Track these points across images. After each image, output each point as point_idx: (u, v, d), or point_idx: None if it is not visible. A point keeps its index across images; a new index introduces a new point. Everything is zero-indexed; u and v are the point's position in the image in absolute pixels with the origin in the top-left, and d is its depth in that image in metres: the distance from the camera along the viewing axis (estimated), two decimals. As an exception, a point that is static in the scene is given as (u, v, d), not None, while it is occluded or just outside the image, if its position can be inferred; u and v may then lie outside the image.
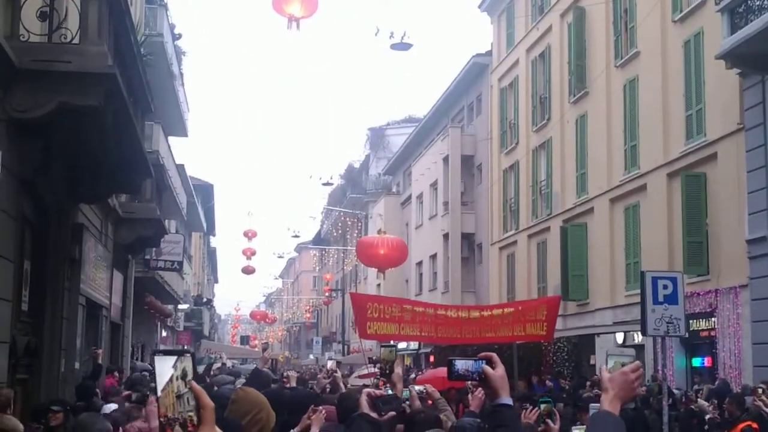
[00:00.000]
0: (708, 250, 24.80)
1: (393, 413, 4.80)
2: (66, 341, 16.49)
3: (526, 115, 39.92)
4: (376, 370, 17.45)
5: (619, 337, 29.66)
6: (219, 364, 23.27)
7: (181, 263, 34.40)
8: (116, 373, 20.68)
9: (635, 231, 29.33)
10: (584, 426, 9.46)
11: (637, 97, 29.26)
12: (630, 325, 26.73)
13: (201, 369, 26.31)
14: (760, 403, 15.05)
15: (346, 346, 67.14)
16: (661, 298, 15.08)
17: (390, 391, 6.98)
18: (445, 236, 47.82)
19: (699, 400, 19.50)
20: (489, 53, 46.00)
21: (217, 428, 2.38)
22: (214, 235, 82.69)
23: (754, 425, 14.18)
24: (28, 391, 13.75)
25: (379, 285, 49.77)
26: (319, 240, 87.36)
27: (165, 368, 2.36)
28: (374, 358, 29.58)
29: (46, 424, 9.94)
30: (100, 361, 18.11)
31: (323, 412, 7.63)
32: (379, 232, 37.30)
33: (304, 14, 16.56)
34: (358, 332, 18.18)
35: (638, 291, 16.74)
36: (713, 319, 24.35)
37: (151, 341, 41.52)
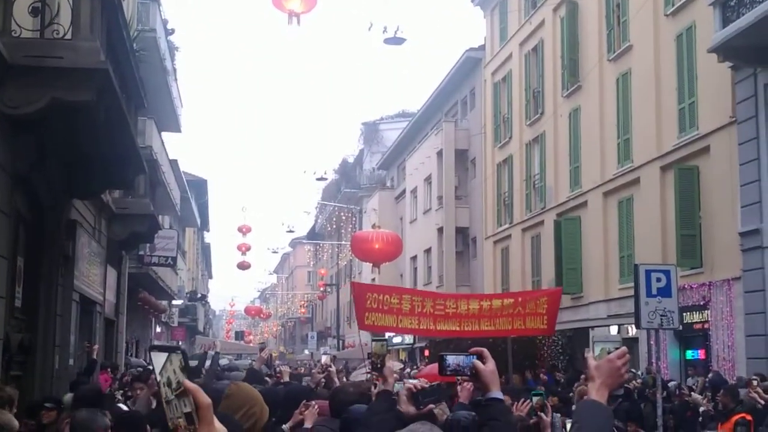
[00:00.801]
0: (701, 243, 24.84)
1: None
2: (60, 338, 16.50)
3: (519, 109, 39.93)
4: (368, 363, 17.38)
5: (613, 330, 29.71)
6: (213, 353, 23.27)
7: (175, 259, 34.41)
8: (110, 370, 20.66)
9: (629, 224, 29.36)
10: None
11: (630, 90, 29.28)
12: (624, 318, 26.79)
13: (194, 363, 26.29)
14: (755, 395, 15.09)
15: (341, 341, 67.14)
16: (654, 291, 15.12)
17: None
18: (440, 230, 47.84)
19: (693, 394, 19.53)
20: (482, 48, 45.95)
21: (220, 424, 2.36)
22: (208, 231, 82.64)
23: (748, 417, 14.21)
24: (21, 388, 13.73)
25: (373, 279, 49.72)
26: (313, 235, 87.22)
27: (163, 365, 2.35)
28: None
29: (38, 421, 9.93)
30: (95, 356, 18.10)
31: (316, 407, 7.64)
32: (373, 226, 37.35)
33: (304, 9, 16.57)
34: (357, 323, 18.10)
35: (632, 284, 16.76)
36: (707, 311, 24.39)
37: (145, 337, 41.53)
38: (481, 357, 4.21)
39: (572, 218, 33.39)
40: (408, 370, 30.45)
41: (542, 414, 8.02)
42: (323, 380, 11.25)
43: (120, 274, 26.07)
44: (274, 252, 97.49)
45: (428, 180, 50.30)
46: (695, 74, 25.27)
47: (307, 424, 7.48)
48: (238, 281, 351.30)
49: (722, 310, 23.56)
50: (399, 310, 17.46)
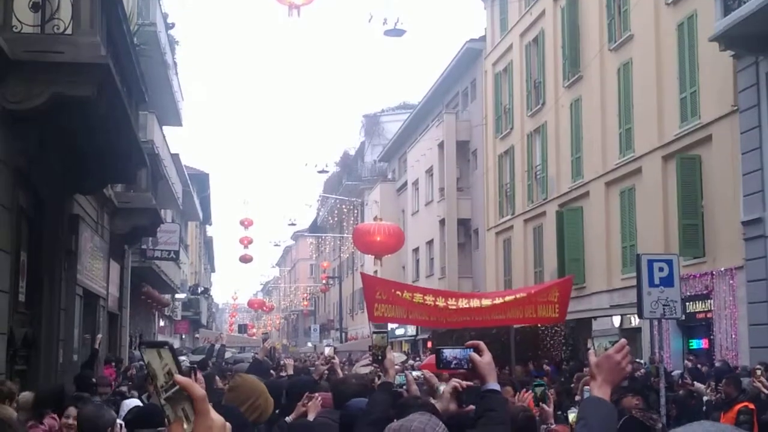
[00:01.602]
0: (703, 232, 24.83)
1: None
2: (64, 332, 16.53)
3: (520, 100, 39.89)
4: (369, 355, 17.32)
5: (616, 321, 29.70)
6: (218, 345, 23.31)
7: (177, 252, 34.44)
8: (114, 364, 20.69)
9: (631, 214, 29.36)
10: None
11: (631, 80, 29.25)
12: (626, 309, 26.76)
13: (200, 358, 26.34)
14: (759, 384, 15.07)
15: (344, 334, 67.21)
16: (657, 281, 15.09)
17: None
18: (441, 222, 47.84)
19: (695, 383, 19.53)
20: (483, 38, 45.88)
21: (217, 414, 2.35)
22: (210, 225, 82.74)
23: (751, 406, 14.21)
24: (26, 383, 13.76)
25: (376, 272, 49.64)
26: (315, 228, 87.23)
27: (156, 361, 2.35)
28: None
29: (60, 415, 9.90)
30: (97, 346, 18.05)
31: (319, 398, 7.66)
32: (375, 219, 37.41)
33: (304, 1, 16.58)
34: (367, 314, 18.01)
35: (634, 274, 16.73)
36: (710, 301, 24.40)
37: (149, 331, 41.57)
38: (477, 349, 4.26)
39: (574, 209, 33.38)
40: (411, 361, 30.54)
41: (544, 405, 8.04)
42: (326, 372, 11.28)
43: (123, 268, 26.10)
44: (277, 245, 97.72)
45: (429, 172, 50.28)
46: (697, 63, 25.24)
47: (311, 416, 7.50)
48: (240, 275, 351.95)
49: (725, 300, 23.56)
50: (410, 302, 17.31)
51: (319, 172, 65.75)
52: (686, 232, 25.11)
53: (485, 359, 4.25)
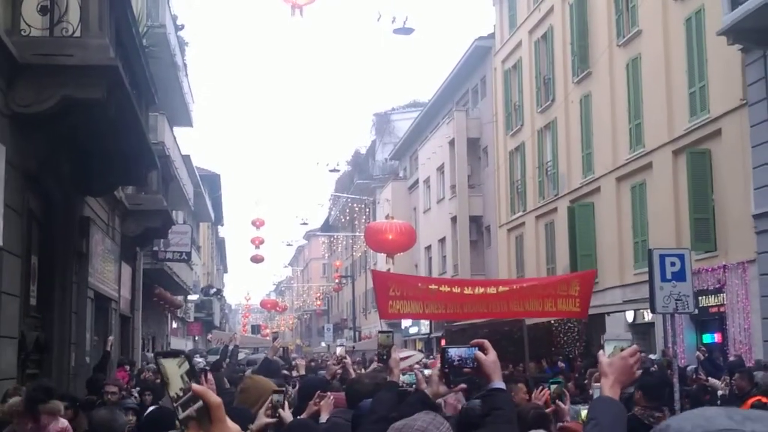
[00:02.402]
0: (715, 226, 24.80)
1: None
2: (75, 335, 16.54)
3: (530, 97, 39.88)
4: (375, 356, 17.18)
5: (629, 316, 29.67)
6: (232, 346, 23.28)
7: (189, 254, 34.46)
8: (127, 367, 20.69)
9: (642, 209, 29.33)
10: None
11: (640, 75, 29.23)
12: (639, 303, 26.71)
13: (213, 359, 26.36)
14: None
15: (357, 333, 67.22)
16: (669, 276, 15.03)
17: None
18: (453, 219, 47.86)
19: (710, 379, 19.47)
20: (492, 36, 45.91)
21: (232, 422, 2.37)
22: (222, 225, 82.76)
23: (764, 400, 14.17)
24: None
25: (388, 270, 49.73)
26: (327, 227, 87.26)
27: (173, 370, 2.36)
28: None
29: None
30: (109, 348, 18.03)
31: (331, 397, 7.65)
32: (387, 217, 37.44)
33: (306, 1, 16.60)
34: (379, 312, 17.76)
35: (646, 269, 16.70)
36: (722, 295, 24.36)
37: (161, 333, 41.62)
38: (482, 348, 4.29)
39: (585, 204, 33.35)
40: (424, 359, 30.55)
41: (560, 402, 8.02)
42: (339, 372, 11.27)
43: (134, 271, 26.12)
44: (289, 245, 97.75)
45: (441, 169, 50.30)
46: (705, 57, 25.21)
47: (324, 416, 7.49)
48: (253, 275, 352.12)
49: (737, 293, 23.52)
50: (425, 296, 17.04)
51: (331, 171, 65.94)
52: (697, 226, 25.08)
53: (490, 358, 4.27)
